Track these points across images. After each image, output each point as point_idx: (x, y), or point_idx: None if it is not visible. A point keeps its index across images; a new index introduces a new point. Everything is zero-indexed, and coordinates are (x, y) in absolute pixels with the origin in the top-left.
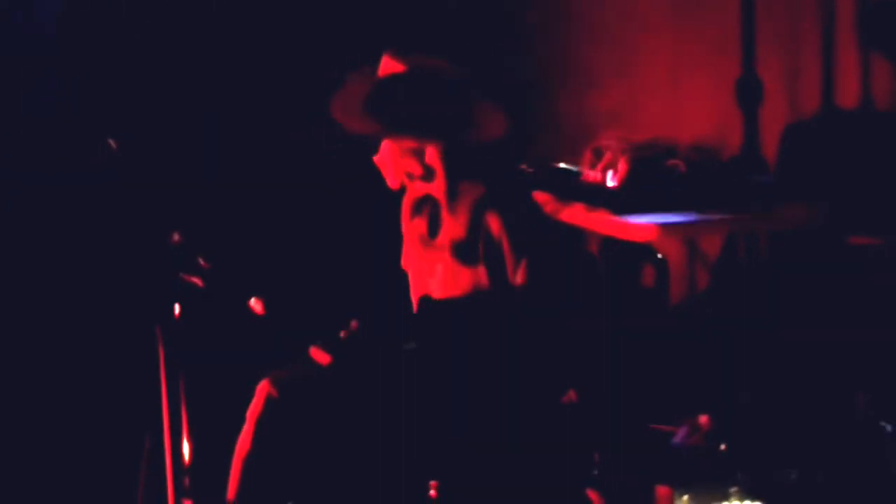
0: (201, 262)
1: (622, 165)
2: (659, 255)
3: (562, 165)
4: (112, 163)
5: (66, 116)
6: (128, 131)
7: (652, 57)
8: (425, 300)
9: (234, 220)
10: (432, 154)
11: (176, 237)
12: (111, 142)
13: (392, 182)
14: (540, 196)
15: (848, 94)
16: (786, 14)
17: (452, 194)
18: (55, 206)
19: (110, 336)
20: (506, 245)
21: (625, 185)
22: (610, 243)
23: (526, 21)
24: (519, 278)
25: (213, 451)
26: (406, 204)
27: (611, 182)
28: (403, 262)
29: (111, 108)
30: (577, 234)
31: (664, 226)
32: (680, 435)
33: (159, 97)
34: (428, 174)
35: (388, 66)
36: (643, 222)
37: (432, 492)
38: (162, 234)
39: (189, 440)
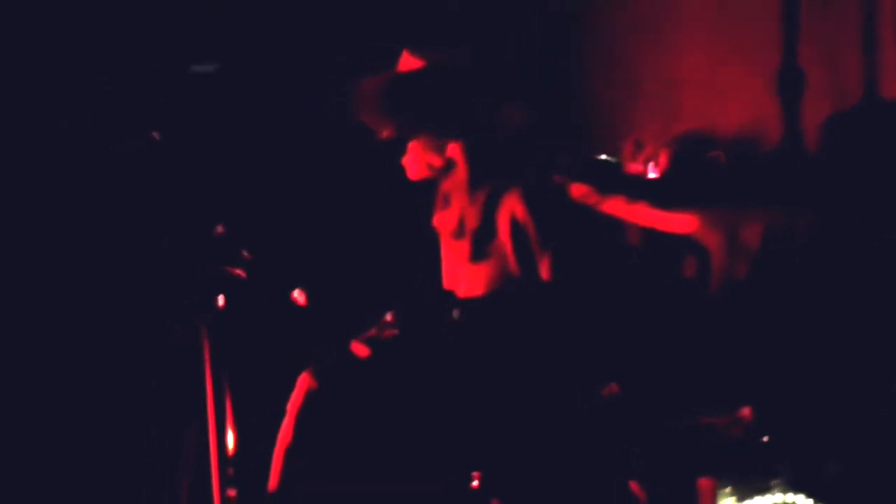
0: (245, 253)
1: (663, 157)
2: (701, 246)
3: (602, 157)
4: (155, 153)
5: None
6: (169, 122)
7: (691, 48)
8: (457, 294)
9: (277, 212)
10: (453, 147)
11: (220, 229)
12: (154, 133)
13: (413, 173)
14: (580, 188)
15: (891, 85)
16: (827, 3)
17: (474, 187)
18: (98, 196)
19: (155, 328)
20: (532, 236)
21: (665, 176)
22: (650, 234)
23: (564, 14)
24: (545, 270)
25: (255, 441)
26: (437, 200)
27: (651, 174)
28: (442, 265)
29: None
30: (616, 226)
31: (705, 217)
32: (722, 426)
33: (198, 89)
34: (449, 167)
35: (408, 62)
36: (684, 213)
37: (475, 483)
38: (206, 226)
39: (233, 430)
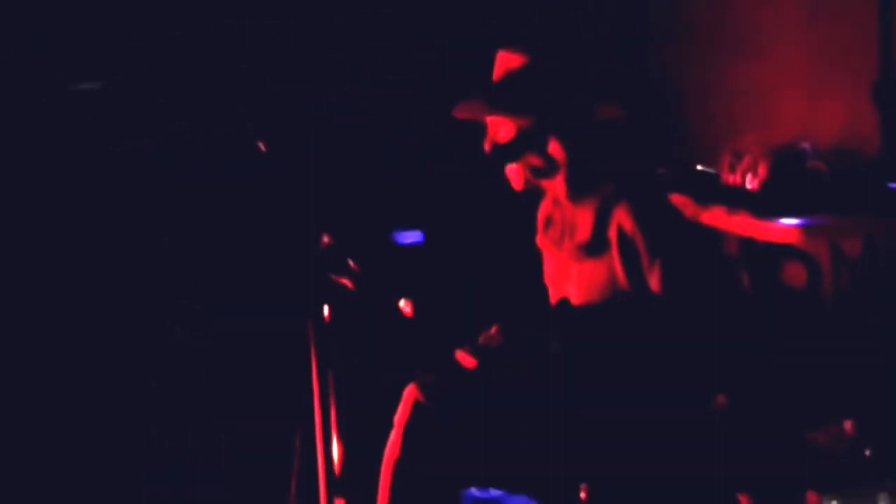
0: (351, 263)
1: (762, 168)
2: (804, 257)
3: (700, 168)
4: (263, 162)
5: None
6: (277, 132)
7: (787, 61)
8: (564, 304)
9: (384, 222)
10: (555, 146)
11: (326, 239)
12: (261, 143)
13: (516, 183)
14: (678, 199)
15: None
16: None
17: (576, 189)
18: (207, 206)
19: (264, 337)
20: (640, 245)
21: (765, 187)
22: (751, 246)
23: (657, 30)
24: (654, 280)
25: (362, 453)
26: (540, 214)
27: (750, 185)
28: (545, 277)
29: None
30: (715, 237)
31: (806, 228)
32: (826, 440)
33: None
34: (551, 167)
35: (505, 61)
36: (785, 224)
37: (583, 494)
38: (312, 236)
39: (339, 441)
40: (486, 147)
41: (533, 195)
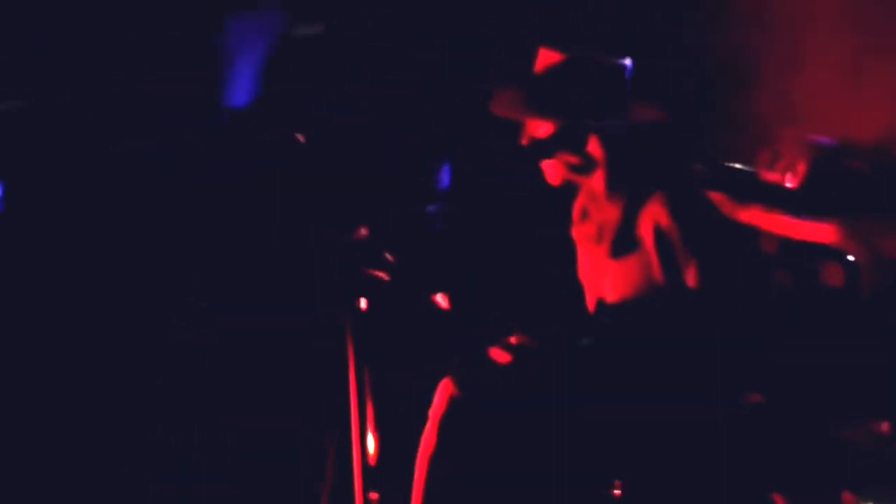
0: (387, 256)
1: (800, 166)
2: (841, 257)
3: (737, 166)
4: (300, 156)
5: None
6: (314, 125)
7: (828, 52)
8: (600, 302)
9: (419, 215)
10: (594, 144)
11: (363, 232)
12: (299, 136)
13: (553, 178)
14: (715, 196)
15: None
16: None
17: (614, 186)
18: (242, 201)
19: (299, 331)
20: (677, 242)
21: (804, 185)
22: (789, 244)
23: (696, 20)
24: (690, 277)
25: (397, 447)
26: (575, 209)
27: (789, 183)
28: (579, 271)
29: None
30: (752, 235)
31: (845, 227)
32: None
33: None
34: (589, 164)
35: (546, 58)
36: (823, 223)
37: (616, 491)
38: (349, 229)
39: (374, 434)
40: (524, 142)
41: (566, 191)
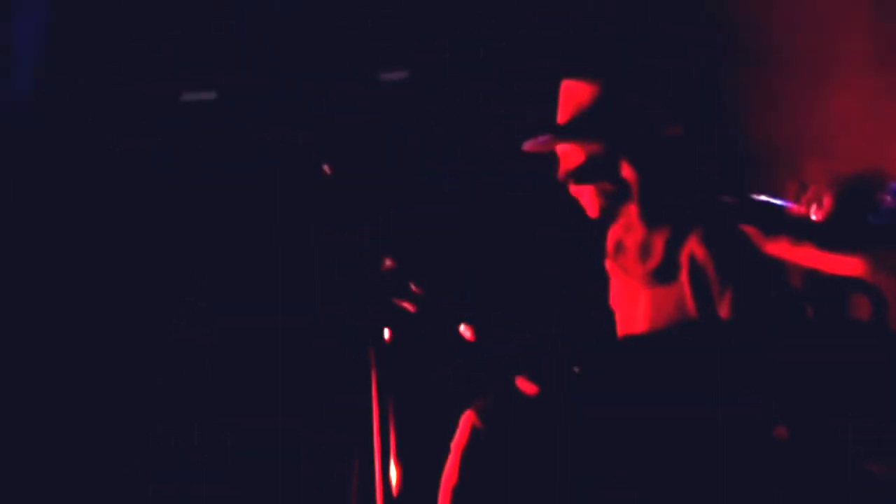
0: (413, 287)
1: (827, 199)
2: (876, 289)
3: (764, 198)
4: (326, 185)
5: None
6: (342, 156)
7: (850, 85)
8: (631, 334)
9: (447, 246)
10: (627, 169)
11: (388, 262)
12: (326, 166)
13: (591, 210)
14: (748, 228)
15: None
16: None
17: (650, 211)
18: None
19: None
20: (711, 273)
21: (831, 218)
22: (816, 277)
23: (717, 52)
24: (724, 308)
25: (420, 478)
26: (610, 239)
27: (815, 216)
28: (611, 301)
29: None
30: (780, 268)
31: (872, 259)
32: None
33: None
34: (623, 191)
35: (571, 91)
36: (850, 256)
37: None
38: (375, 259)
39: (398, 464)
40: (560, 176)
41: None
